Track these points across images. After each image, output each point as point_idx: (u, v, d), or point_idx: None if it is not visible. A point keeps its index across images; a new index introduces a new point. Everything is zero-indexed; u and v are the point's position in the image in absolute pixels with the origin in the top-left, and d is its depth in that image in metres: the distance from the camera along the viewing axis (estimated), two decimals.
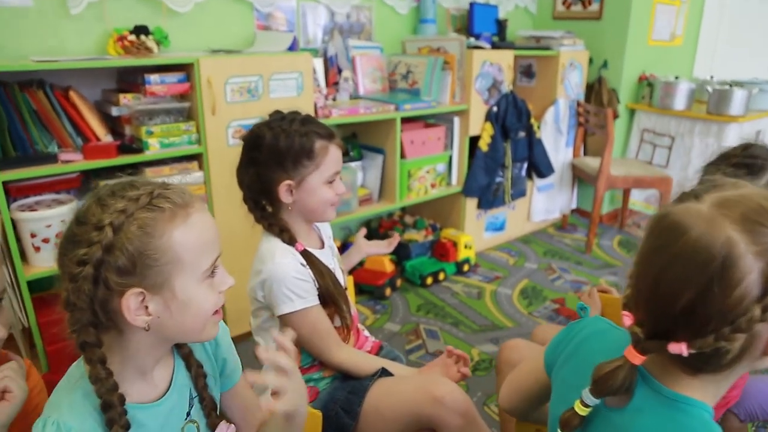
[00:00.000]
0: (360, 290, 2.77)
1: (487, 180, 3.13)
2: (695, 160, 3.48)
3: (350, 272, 1.65)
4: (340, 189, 1.32)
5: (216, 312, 0.83)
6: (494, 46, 3.08)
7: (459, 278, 3.02)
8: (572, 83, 3.48)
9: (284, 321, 1.27)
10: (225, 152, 2.13)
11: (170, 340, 0.84)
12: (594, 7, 3.56)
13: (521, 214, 3.55)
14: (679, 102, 3.51)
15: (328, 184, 1.29)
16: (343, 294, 1.34)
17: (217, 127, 2.10)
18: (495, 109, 3.05)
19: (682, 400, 0.68)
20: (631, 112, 3.80)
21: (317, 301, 1.27)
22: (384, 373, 1.31)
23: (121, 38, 2.08)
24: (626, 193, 3.74)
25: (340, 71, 2.83)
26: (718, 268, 0.60)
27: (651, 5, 3.51)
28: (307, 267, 1.27)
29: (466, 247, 3.04)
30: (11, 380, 0.94)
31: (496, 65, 3.01)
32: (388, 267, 2.80)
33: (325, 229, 1.47)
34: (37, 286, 1.86)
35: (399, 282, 2.89)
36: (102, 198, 0.74)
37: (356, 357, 1.34)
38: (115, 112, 2.02)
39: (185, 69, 2.05)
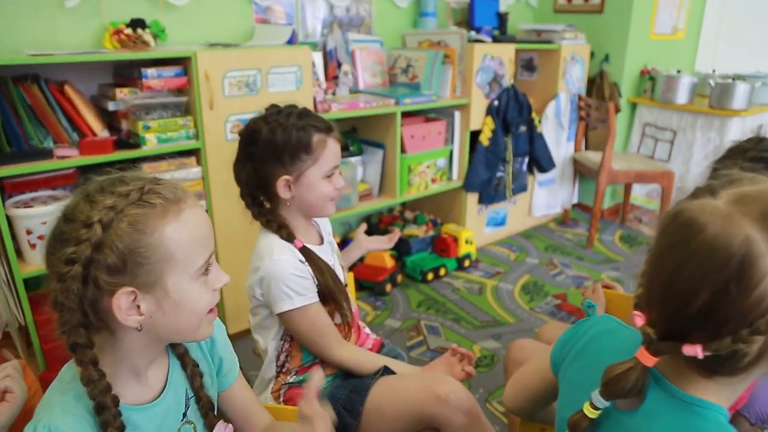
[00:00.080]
0: (360, 286, 2.75)
1: (487, 175, 3.11)
2: (697, 154, 3.46)
3: (350, 268, 1.63)
4: (339, 183, 1.29)
5: (211, 311, 0.80)
6: (495, 40, 3.06)
7: (460, 274, 3.00)
8: (573, 77, 3.46)
9: (283, 319, 1.24)
10: (223, 147, 2.10)
11: (164, 340, 0.81)
12: (595, 0, 3.53)
13: (522, 209, 3.53)
14: (681, 96, 3.48)
15: (327, 178, 1.27)
16: (343, 291, 1.32)
17: (215, 121, 2.08)
18: (496, 103, 3.03)
19: (697, 403, 0.65)
20: (633, 106, 3.77)
21: (317, 299, 1.25)
22: (386, 371, 1.28)
23: (118, 32, 2.05)
24: (627, 188, 3.72)
25: (339, 65, 2.80)
26: (737, 267, 0.58)
27: None
28: (306, 264, 1.24)
29: (466, 242, 3.02)
30: (12, 380, 0.92)
31: (497, 59, 2.98)
32: (389, 263, 2.78)
33: (324, 225, 1.45)
34: (34, 283, 1.84)
35: (399, 278, 2.87)
36: (90, 194, 0.72)
37: (358, 355, 1.32)
38: (111, 106, 1.99)
39: (182, 63, 2.02)
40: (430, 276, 2.88)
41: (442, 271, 2.94)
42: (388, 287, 2.77)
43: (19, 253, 1.82)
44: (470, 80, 2.90)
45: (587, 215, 3.80)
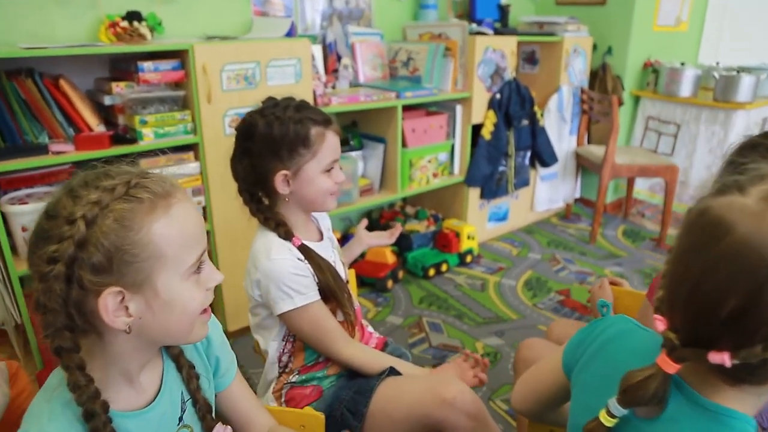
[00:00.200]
0: (361, 282, 2.72)
1: (489, 169, 3.08)
2: (701, 148, 3.43)
3: (351, 265, 1.59)
4: (339, 177, 1.25)
5: (204, 311, 0.77)
6: (497, 32, 3.01)
7: (462, 269, 2.97)
8: (576, 70, 3.42)
9: (285, 319, 1.21)
10: (222, 142, 2.07)
11: (155, 343, 0.77)
12: None
13: (524, 203, 3.49)
14: (685, 89, 3.44)
15: (326, 172, 1.23)
16: (344, 288, 1.28)
17: (213, 115, 2.04)
18: (498, 96, 2.99)
19: (723, 412, 0.61)
20: (636, 99, 3.73)
21: (318, 297, 1.21)
22: (392, 372, 1.25)
23: (114, 24, 2.02)
24: (630, 182, 3.69)
25: (339, 58, 2.76)
26: None
27: None
28: (306, 262, 1.21)
29: (468, 237, 2.99)
30: None
31: (498, 52, 2.94)
32: (390, 258, 2.75)
33: (324, 221, 1.42)
34: (30, 281, 1.80)
35: (401, 274, 2.84)
36: (74, 189, 0.68)
37: (365, 353, 1.28)
38: (107, 101, 1.96)
39: (179, 56, 1.99)
40: (431, 272, 2.85)
41: (443, 267, 2.91)
42: (390, 283, 2.74)
43: (14, 250, 1.79)
44: (472, 73, 2.86)
45: (590, 210, 3.77)
